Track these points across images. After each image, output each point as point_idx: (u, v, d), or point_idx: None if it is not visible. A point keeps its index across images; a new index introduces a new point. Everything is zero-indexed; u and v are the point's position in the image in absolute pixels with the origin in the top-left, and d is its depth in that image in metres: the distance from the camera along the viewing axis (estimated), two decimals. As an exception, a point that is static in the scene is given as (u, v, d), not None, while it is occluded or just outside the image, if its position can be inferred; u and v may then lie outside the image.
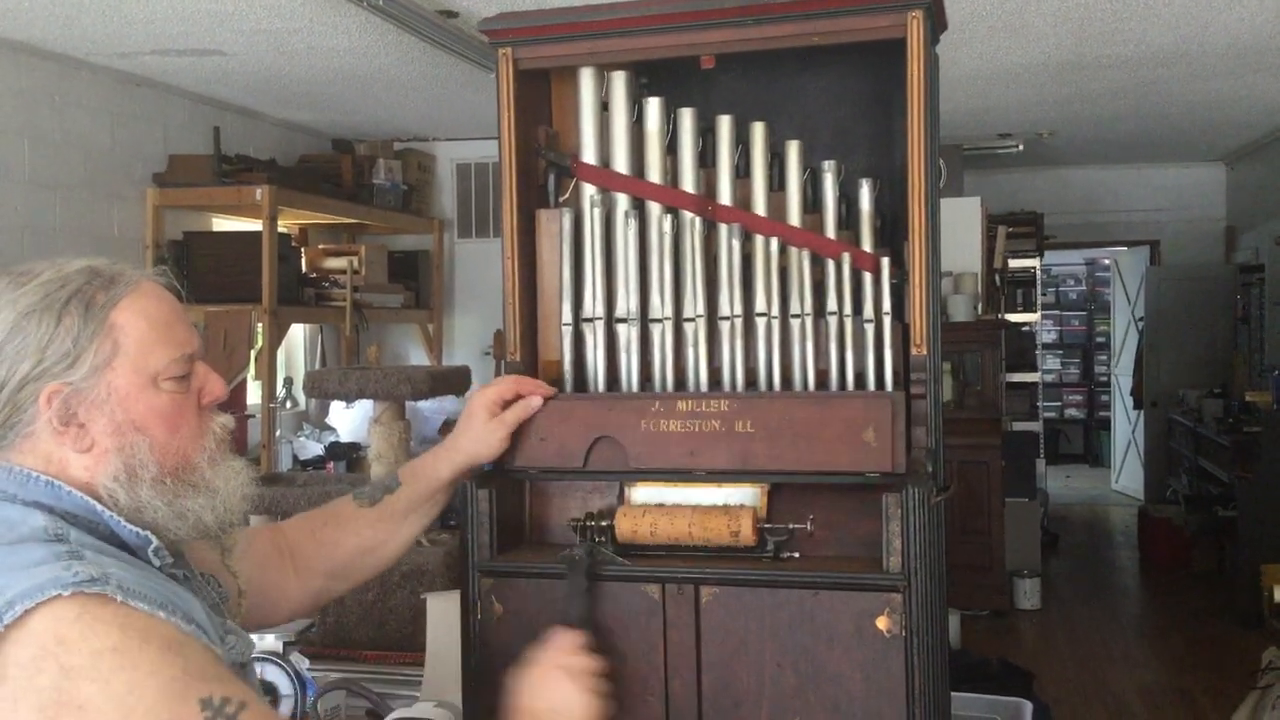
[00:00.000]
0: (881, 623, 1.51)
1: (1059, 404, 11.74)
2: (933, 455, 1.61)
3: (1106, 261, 10.75)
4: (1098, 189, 8.60)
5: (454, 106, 5.84)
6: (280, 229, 5.35)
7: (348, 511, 1.59)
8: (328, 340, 6.49)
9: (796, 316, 1.71)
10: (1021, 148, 7.27)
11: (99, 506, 1.19)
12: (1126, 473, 9.68)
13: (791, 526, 1.62)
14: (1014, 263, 7.90)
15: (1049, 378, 11.15)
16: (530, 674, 1.41)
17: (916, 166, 1.59)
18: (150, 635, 1.08)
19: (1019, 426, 7.23)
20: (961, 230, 6.31)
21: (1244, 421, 6.86)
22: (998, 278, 7.07)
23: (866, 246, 1.70)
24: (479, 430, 1.62)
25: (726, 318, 1.73)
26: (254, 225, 5.30)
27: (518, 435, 1.66)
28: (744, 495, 1.66)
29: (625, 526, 1.63)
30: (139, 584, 1.12)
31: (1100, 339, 11.60)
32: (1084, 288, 11.95)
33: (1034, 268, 8.26)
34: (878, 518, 1.53)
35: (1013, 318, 7.69)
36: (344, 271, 5.70)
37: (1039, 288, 8.48)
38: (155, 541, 1.21)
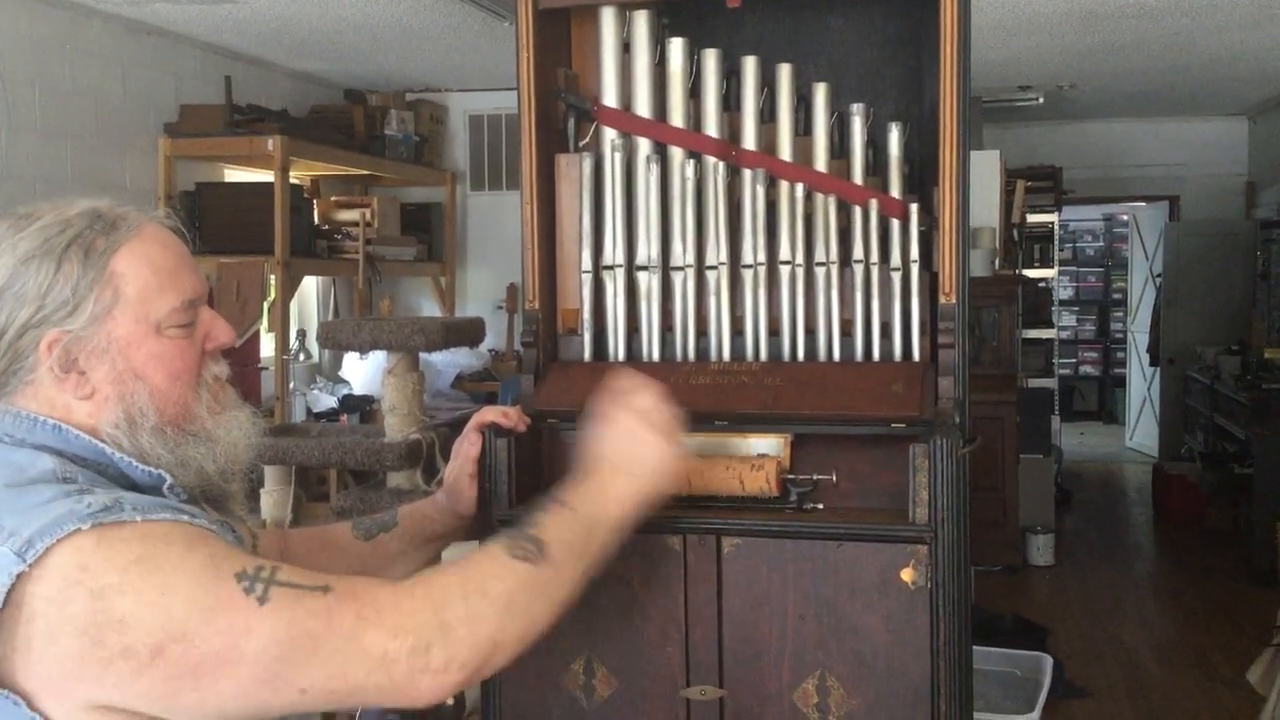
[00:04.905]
0: (906, 575, 1.49)
1: (1074, 360, 11.67)
2: (960, 406, 1.59)
3: (1125, 217, 10.63)
4: (1118, 143, 8.49)
5: (466, 57, 5.77)
6: (292, 180, 5.31)
7: (344, 540, 1.57)
8: (340, 293, 6.46)
9: (821, 264, 1.68)
10: (1042, 100, 7.15)
11: (108, 449, 1.17)
12: (1141, 430, 9.63)
13: (815, 478, 1.60)
14: (1032, 217, 7.82)
15: (1065, 334, 11.07)
16: (605, 423, 1.38)
17: (948, 110, 1.55)
18: (172, 537, 1.09)
19: (1034, 383, 7.19)
20: (980, 184, 6.20)
21: (1262, 378, 6.80)
22: (1015, 232, 6.99)
23: (895, 193, 1.66)
24: (463, 492, 1.61)
25: (750, 265, 1.69)
26: (266, 176, 5.27)
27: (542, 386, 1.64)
28: (768, 447, 1.64)
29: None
30: (153, 504, 1.12)
31: (1117, 295, 11.50)
32: (1102, 243, 11.84)
33: (1052, 223, 8.18)
34: (902, 470, 1.51)
35: (1030, 273, 7.62)
36: (356, 223, 5.66)
37: (1056, 243, 8.39)
38: (170, 479, 1.20)
